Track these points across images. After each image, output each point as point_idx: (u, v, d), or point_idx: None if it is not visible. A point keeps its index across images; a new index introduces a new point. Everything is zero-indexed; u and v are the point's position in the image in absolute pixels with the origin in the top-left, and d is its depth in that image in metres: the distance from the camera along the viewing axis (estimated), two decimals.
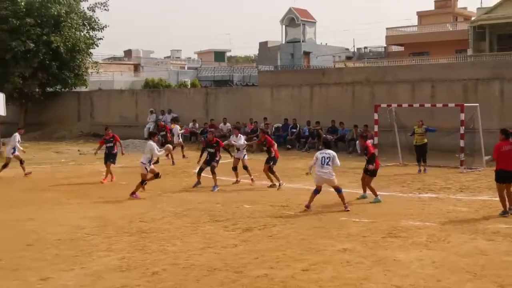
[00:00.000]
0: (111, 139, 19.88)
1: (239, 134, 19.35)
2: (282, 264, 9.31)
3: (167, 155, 22.64)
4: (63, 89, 41.31)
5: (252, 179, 18.48)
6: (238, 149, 18.95)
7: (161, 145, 24.38)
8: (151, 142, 16.37)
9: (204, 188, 18.01)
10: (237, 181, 18.72)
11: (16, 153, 20.96)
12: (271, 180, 17.91)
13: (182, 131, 28.13)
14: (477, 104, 22.55)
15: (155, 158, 18.58)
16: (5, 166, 20.75)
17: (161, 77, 52.53)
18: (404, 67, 36.49)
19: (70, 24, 37.92)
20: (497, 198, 14.03)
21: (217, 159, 18.08)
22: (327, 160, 13.84)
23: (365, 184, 15.50)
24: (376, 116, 23.57)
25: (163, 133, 25.28)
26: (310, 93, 31.63)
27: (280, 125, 31.50)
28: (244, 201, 15.42)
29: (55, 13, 36.97)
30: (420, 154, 21.49)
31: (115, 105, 39.47)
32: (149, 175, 16.25)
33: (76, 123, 40.40)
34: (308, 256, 9.80)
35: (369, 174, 15.26)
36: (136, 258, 9.79)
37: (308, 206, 14.00)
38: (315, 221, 12.77)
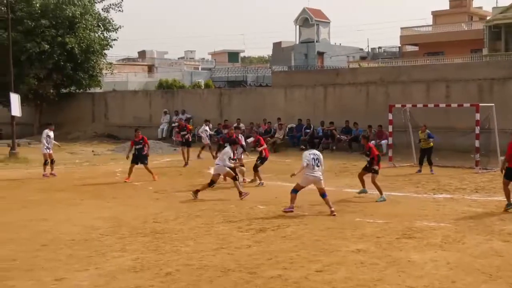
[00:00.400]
0: (141, 141, 20.15)
1: (240, 134, 20.00)
2: (295, 265, 9.30)
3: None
4: (77, 90, 41.60)
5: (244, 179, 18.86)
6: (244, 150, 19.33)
7: (183, 143, 24.58)
8: (228, 149, 16.54)
9: (219, 188, 18.04)
10: (260, 183, 18.69)
11: (45, 151, 21.12)
12: (254, 178, 18.70)
13: (210, 131, 28.50)
14: (493, 104, 22.40)
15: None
16: (45, 163, 21.12)
17: (175, 78, 52.70)
18: (419, 67, 36.31)
19: (84, 25, 38.15)
20: None
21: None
22: (317, 162, 13.66)
23: (366, 181, 16.10)
24: (390, 116, 23.48)
25: (184, 132, 25.20)
26: (324, 94, 31.57)
27: (294, 125, 31.47)
28: (257, 201, 15.42)
29: (70, 14, 37.21)
30: (423, 155, 21.43)
31: (129, 106, 39.66)
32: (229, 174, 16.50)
33: (91, 124, 40.63)
34: (321, 257, 9.78)
35: (374, 172, 15.61)
36: (149, 259, 9.82)
37: (290, 209, 13.67)
38: (329, 221, 12.74)
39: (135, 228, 12.31)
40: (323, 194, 13.71)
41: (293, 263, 9.40)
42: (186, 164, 24.10)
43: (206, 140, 26.84)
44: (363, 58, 71.35)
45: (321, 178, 13.66)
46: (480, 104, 21.95)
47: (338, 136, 29.27)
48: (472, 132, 21.63)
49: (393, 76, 29.79)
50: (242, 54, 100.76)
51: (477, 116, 21.29)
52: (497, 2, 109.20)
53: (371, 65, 53.72)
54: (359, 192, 16.30)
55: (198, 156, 26.28)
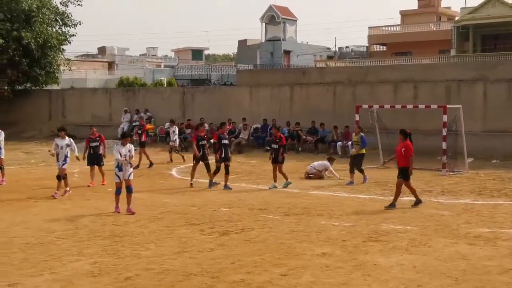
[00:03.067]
0: (97, 138, 19.36)
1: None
2: (259, 269, 9.32)
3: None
4: (33, 87, 40.98)
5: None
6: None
7: (140, 144, 24.11)
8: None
9: (180, 190, 17.99)
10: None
11: None
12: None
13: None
14: (460, 106, 22.76)
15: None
16: None
17: (136, 76, 52.35)
18: (387, 67, 36.73)
19: (41, 20, 37.62)
20: (479, 202, 14.37)
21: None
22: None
23: (278, 172, 18.05)
24: (357, 117, 23.69)
25: (139, 132, 24.79)
26: (290, 93, 31.71)
27: (259, 125, 31.54)
28: (221, 204, 15.42)
29: (26, 7, 36.66)
30: (352, 163, 19.49)
31: (88, 104, 39.23)
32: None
33: (47, 123, 40.05)
34: (286, 260, 9.82)
35: (281, 161, 18.08)
36: (108, 263, 9.73)
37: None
38: (294, 224, 12.80)
39: (93, 231, 12.19)
40: None
41: (257, 267, 9.42)
42: (151, 164, 23.85)
43: (176, 142, 26.45)
44: (330, 58, 71.79)
45: None
46: (448, 106, 22.30)
47: (304, 137, 29.44)
48: (439, 133, 21.95)
49: (360, 76, 30.08)
50: (206, 52, 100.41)
51: (445, 117, 21.61)
52: (465, 2, 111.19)
53: (338, 65, 54.14)
54: (271, 188, 17.92)
55: (171, 160, 25.78)
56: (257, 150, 29.76)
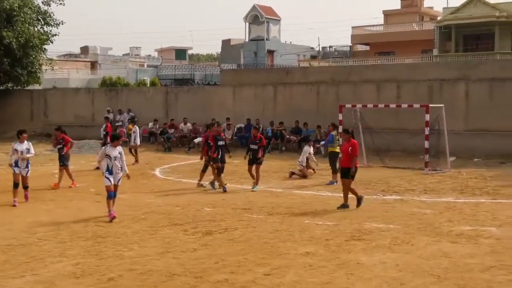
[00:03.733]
0: (61, 140, 18.93)
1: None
2: (243, 269, 9.33)
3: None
4: (15, 87, 40.61)
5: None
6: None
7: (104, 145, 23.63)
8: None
9: (163, 190, 17.95)
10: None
11: None
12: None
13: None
14: (442, 105, 22.94)
15: None
16: None
17: (119, 75, 52.14)
18: (370, 67, 36.90)
19: (23, 19, 37.28)
20: (461, 200, 14.50)
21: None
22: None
23: (254, 172, 17.91)
24: (340, 117, 23.73)
25: (104, 132, 23.73)
26: (273, 93, 31.74)
27: (243, 125, 31.54)
28: (204, 204, 15.41)
29: (7, 6, 36.33)
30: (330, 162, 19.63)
31: (70, 104, 38.97)
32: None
33: (29, 123, 39.63)
34: (270, 260, 9.83)
35: (258, 162, 17.85)
36: (91, 264, 9.69)
37: None
38: (278, 224, 12.82)
39: (75, 232, 12.13)
40: None
41: (240, 267, 9.42)
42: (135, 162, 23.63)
43: (137, 142, 25.55)
44: (313, 57, 71.94)
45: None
46: (430, 105, 22.42)
47: (287, 136, 29.48)
48: (422, 133, 22.08)
49: (343, 76, 30.18)
50: (190, 51, 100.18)
51: (427, 117, 21.73)
52: (447, 2, 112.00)
53: (321, 65, 54.29)
54: (253, 190, 17.60)
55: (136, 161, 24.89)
56: (240, 150, 29.63)
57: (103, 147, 14.21)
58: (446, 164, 22.31)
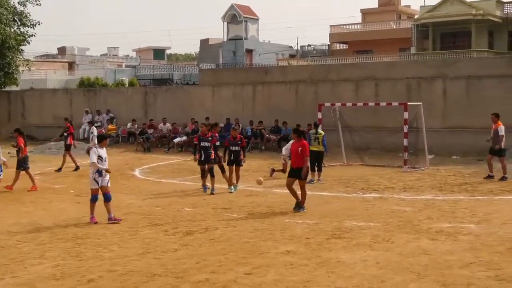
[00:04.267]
0: (15, 144, 18.57)
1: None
2: (224, 268, 9.32)
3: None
4: None
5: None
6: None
7: (65, 147, 23.04)
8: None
9: (143, 191, 17.88)
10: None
11: None
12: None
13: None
14: (420, 103, 23.11)
15: None
16: None
17: (97, 76, 51.84)
18: (348, 66, 37.03)
19: None
20: (440, 198, 14.65)
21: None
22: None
23: (234, 174, 17.52)
24: (320, 115, 23.82)
25: (65, 134, 23.30)
26: (252, 92, 31.78)
27: (222, 125, 31.50)
28: (185, 204, 15.38)
29: None
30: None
31: (48, 105, 38.69)
32: None
33: (6, 124, 39.33)
34: (251, 259, 9.84)
35: (241, 164, 17.56)
36: (71, 265, 9.62)
37: None
38: (258, 223, 12.83)
39: (55, 233, 12.03)
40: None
41: (221, 266, 9.42)
42: (76, 168, 22.79)
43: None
44: (292, 56, 72.16)
45: None
46: (408, 103, 22.56)
47: (267, 135, 29.51)
48: (401, 131, 22.23)
49: (322, 75, 30.29)
50: (168, 51, 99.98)
51: (405, 115, 21.89)
52: (424, 1, 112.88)
53: (300, 63, 54.40)
54: (231, 192, 17.24)
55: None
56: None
57: (94, 148, 13.79)
58: (425, 161, 22.49)
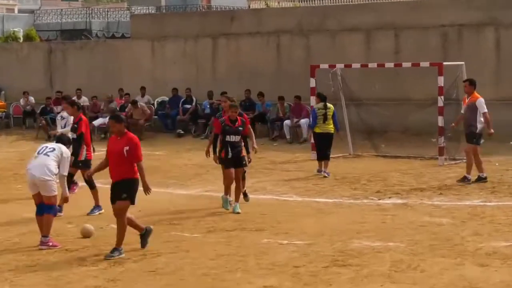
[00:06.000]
0: None
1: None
2: None
3: None
4: None
5: None
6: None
7: None
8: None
9: None
10: None
11: None
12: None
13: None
14: (463, 63, 23.07)
15: None
16: None
17: None
18: (354, 7, 36.95)
19: None
20: (493, 203, 15.13)
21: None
22: (48, 150, 13.37)
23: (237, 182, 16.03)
24: (313, 83, 23.76)
25: None
26: (212, 49, 31.63)
27: (167, 98, 31.37)
28: (110, 217, 15.24)
29: None
30: (322, 144, 20.67)
31: None
32: None
33: None
34: None
35: (245, 164, 16.19)
36: None
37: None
38: (223, 245, 12.80)
39: None
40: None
41: None
42: None
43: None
44: None
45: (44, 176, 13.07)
46: (444, 63, 22.56)
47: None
48: (434, 104, 22.24)
49: (316, 21, 30.18)
50: None
51: (441, 80, 21.89)
52: None
53: (283, 5, 54.26)
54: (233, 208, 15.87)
55: None
56: (164, 136, 29.64)
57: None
58: None
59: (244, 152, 16.12)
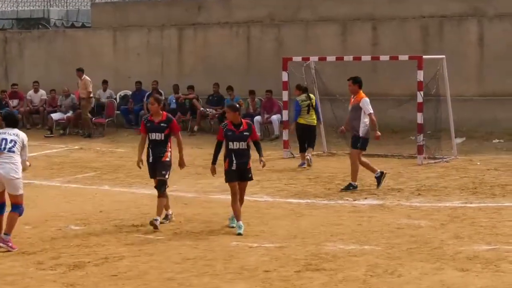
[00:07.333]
0: None
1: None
2: None
3: None
4: None
5: None
6: None
7: None
8: None
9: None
10: None
11: None
12: None
13: None
14: (443, 56, 23.19)
15: None
16: None
17: None
18: None
19: None
20: (474, 205, 15.41)
21: (167, 159, 15.43)
22: (10, 145, 13.42)
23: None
24: (285, 77, 23.80)
25: None
26: (178, 40, 31.61)
27: (130, 92, 31.30)
28: (71, 219, 15.24)
29: None
30: (305, 136, 22.21)
31: None
32: None
33: None
34: None
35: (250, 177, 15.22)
36: None
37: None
38: (189, 248, 12.81)
39: None
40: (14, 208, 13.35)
41: None
42: None
43: None
44: None
45: (10, 173, 13.20)
46: (424, 56, 22.65)
47: (201, 109, 29.40)
48: (413, 100, 22.33)
49: (289, 11, 30.24)
50: None
51: (420, 74, 21.95)
52: None
53: None
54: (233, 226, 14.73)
55: None
56: (126, 132, 29.53)
57: None
58: (451, 148, 22.68)
59: (250, 163, 14.72)
